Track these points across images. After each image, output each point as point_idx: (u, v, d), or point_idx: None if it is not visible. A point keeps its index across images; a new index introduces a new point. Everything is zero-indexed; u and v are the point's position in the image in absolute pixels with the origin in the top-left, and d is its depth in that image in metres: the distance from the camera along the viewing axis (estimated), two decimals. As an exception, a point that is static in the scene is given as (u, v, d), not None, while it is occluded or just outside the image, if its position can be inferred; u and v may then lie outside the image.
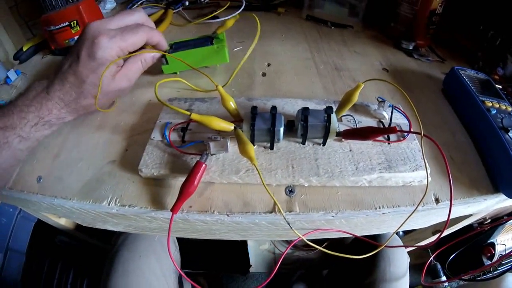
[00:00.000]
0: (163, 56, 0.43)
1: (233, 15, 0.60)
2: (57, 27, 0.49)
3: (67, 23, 0.49)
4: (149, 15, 0.62)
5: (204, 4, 0.69)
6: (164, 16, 0.64)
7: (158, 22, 0.61)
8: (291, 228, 0.28)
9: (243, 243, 0.86)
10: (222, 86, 0.44)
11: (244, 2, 0.65)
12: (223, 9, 0.64)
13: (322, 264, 0.90)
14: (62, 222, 0.47)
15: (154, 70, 0.48)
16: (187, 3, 0.68)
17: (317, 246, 0.30)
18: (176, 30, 0.62)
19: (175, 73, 0.47)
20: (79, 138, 0.37)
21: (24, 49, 0.52)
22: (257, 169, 0.27)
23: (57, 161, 0.35)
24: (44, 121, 0.33)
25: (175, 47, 0.45)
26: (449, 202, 0.32)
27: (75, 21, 0.49)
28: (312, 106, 0.38)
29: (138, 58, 0.37)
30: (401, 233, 0.82)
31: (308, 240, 0.30)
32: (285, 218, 0.28)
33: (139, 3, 0.68)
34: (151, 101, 0.43)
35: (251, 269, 0.88)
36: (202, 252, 0.87)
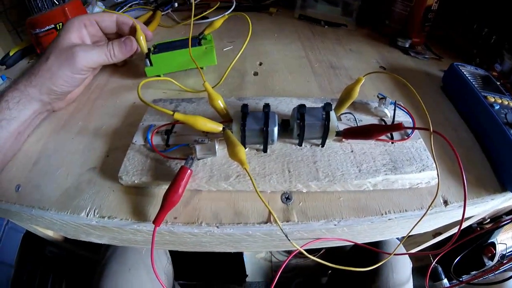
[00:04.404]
0: (147, 57, 0.41)
1: (222, 15, 0.59)
2: (42, 30, 0.47)
3: (52, 26, 0.47)
4: (137, 17, 0.61)
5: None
6: (152, 18, 0.62)
7: (146, 24, 0.59)
8: (290, 240, 0.25)
9: (239, 252, 0.83)
10: (213, 87, 0.42)
11: (234, 2, 0.63)
12: (212, 9, 0.62)
13: (321, 272, 0.88)
14: (50, 233, 0.45)
15: (138, 72, 0.45)
16: (176, 4, 0.66)
17: (316, 259, 0.27)
18: (164, 32, 0.60)
19: (159, 75, 0.44)
20: (59, 144, 0.35)
21: (11, 53, 0.50)
22: (248, 174, 0.24)
23: (35, 169, 0.33)
24: (22, 99, 0.32)
25: (160, 48, 0.42)
26: (457, 204, 0.30)
27: (61, 24, 0.47)
28: (308, 104, 0.35)
29: (106, 46, 0.38)
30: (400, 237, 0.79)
31: (305, 249, 0.27)
32: (282, 230, 0.25)
33: (127, 6, 0.66)
34: (135, 103, 0.40)
35: (248, 279, 0.86)
36: (196, 263, 0.84)
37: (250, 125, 0.28)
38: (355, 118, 0.34)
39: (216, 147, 0.29)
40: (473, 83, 0.39)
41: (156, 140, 0.32)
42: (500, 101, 0.37)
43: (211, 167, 0.29)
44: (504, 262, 0.76)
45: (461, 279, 0.80)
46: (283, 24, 0.62)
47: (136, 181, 0.29)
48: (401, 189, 0.30)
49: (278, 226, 0.24)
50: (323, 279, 0.86)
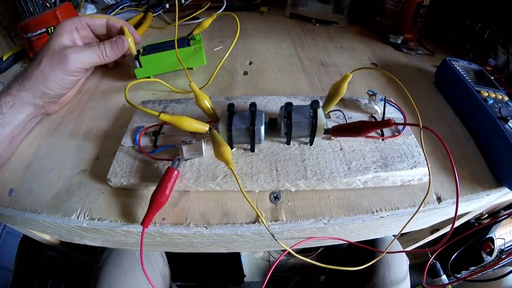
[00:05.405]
0: (136, 58, 0.41)
1: (211, 15, 0.58)
2: (34, 34, 0.46)
3: (44, 30, 0.47)
4: (128, 19, 0.61)
5: (185, 6, 0.67)
6: (143, 20, 0.62)
7: (137, 26, 0.59)
8: (277, 240, 0.25)
9: (236, 252, 0.82)
10: (202, 87, 0.41)
11: (225, 2, 0.62)
12: (203, 9, 0.61)
13: (319, 270, 0.87)
14: (47, 237, 0.45)
15: (129, 74, 0.45)
16: (167, 6, 0.66)
17: (307, 259, 0.27)
18: (155, 33, 0.60)
19: (149, 77, 0.44)
20: (51, 147, 0.35)
21: (4, 58, 0.50)
22: (234, 173, 0.24)
23: (28, 172, 0.33)
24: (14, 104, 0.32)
25: (149, 49, 0.42)
26: (451, 200, 0.30)
27: (52, 27, 0.47)
28: (297, 102, 0.35)
29: (98, 47, 0.38)
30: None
31: (301, 248, 0.27)
32: (268, 230, 0.24)
33: (119, 8, 0.66)
34: (125, 105, 0.40)
35: (246, 279, 0.85)
36: (194, 263, 0.84)
37: (236, 124, 0.27)
38: (344, 115, 0.33)
39: (203, 147, 0.29)
40: (466, 77, 0.39)
41: (145, 141, 0.32)
42: (494, 95, 0.36)
43: (198, 168, 0.29)
44: (503, 257, 0.76)
45: (459, 275, 0.80)
46: (274, 23, 0.62)
47: (124, 183, 0.29)
48: (392, 186, 0.30)
49: (265, 226, 0.24)
50: (321, 278, 0.85)
